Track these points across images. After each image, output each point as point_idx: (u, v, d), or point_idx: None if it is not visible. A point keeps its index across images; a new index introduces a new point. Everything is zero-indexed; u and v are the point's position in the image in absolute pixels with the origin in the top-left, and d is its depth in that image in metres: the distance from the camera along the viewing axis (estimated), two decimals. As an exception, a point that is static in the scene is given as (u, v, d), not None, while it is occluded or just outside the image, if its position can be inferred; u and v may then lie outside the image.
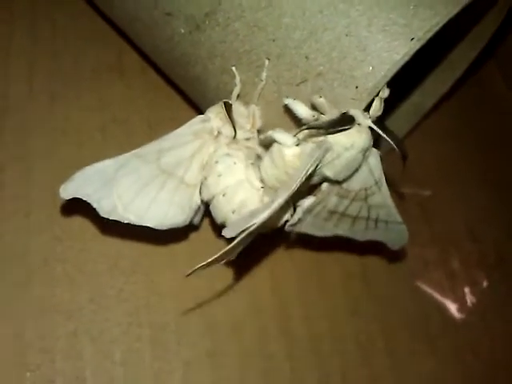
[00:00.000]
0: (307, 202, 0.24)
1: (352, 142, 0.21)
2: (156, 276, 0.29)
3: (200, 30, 0.26)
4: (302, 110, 0.22)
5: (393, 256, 0.32)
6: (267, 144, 0.23)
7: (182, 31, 0.26)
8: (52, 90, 0.34)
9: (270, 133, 0.22)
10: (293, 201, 0.24)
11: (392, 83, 0.22)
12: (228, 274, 0.30)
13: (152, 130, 0.33)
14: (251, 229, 0.20)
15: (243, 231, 0.20)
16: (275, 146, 0.22)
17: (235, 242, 0.20)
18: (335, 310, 0.30)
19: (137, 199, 0.24)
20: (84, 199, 0.23)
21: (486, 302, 0.33)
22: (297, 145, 0.22)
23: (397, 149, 0.21)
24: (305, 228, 0.25)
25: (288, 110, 0.23)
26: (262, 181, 0.24)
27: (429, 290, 0.32)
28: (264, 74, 0.24)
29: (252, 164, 0.24)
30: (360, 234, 0.26)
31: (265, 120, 0.25)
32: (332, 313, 0.30)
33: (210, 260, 0.21)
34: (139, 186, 0.24)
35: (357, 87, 0.22)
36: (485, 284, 0.34)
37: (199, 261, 0.29)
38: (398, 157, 0.22)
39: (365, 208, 0.25)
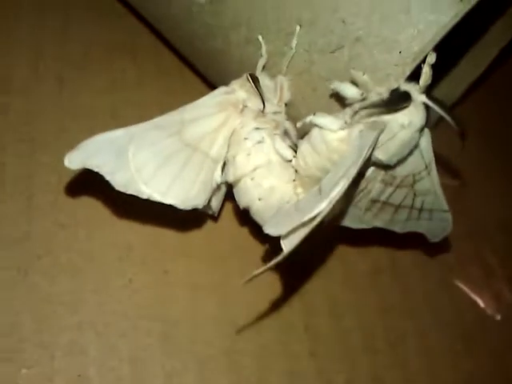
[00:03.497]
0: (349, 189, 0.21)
1: (409, 119, 0.19)
2: (169, 266, 0.26)
3: (222, -3, 0.24)
4: (351, 91, 0.20)
5: (424, 249, 0.29)
6: (304, 133, 0.21)
7: (202, 1, 0.25)
8: (60, 73, 0.31)
9: (309, 118, 0.20)
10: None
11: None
12: (247, 267, 0.27)
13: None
14: (311, 226, 0.17)
15: (294, 230, 0.18)
16: (316, 131, 0.20)
17: (294, 244, 0.18)
18: (363, 306, 0.28)
19: (159, 174, 0.22)
20: (95, 170, 0.21)
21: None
22: (342, 129, 0.20)
23: (455, 126, 0.19)
24: (344, 219, 0.23)
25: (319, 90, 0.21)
26: (296, 170, 0.22)
27: (464, 286, 0.30)
28: (294, 42, 0.22)
29: (279, 135, 0.22)
30: (400, 224, 0.24)
31: (294, 93, 0.23)
32: (360, 309, 0.28)
33: (266, 267, 0.18)
34: (161, 159, 0.22)
35: (400, 52, 0.20)
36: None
37: (216, 251, 0.27)
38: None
39: (410, 195, 0.23)
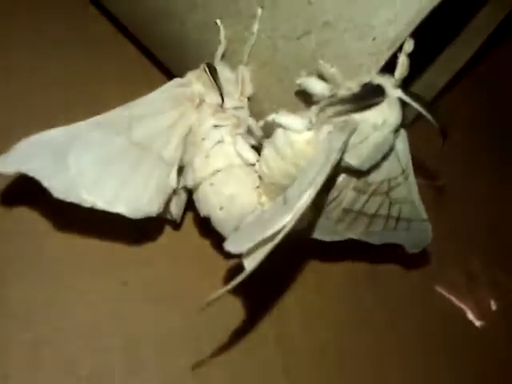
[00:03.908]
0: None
1: (383, 118, 0.17)
2: (128, 277, 0.24)
3: (177, -25, 0.21)
4: (319, 86, 0.18)
5: (403, 255, 0.28)
6: (269, 132, 0.19)
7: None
8: (6, 63, 0.29)
9: (272, 117, 0.18)
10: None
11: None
12: (211, 276, 0.25)
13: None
14: (275, 241, 0.15)
15: (257, 246, 0.16)
16: (280, 132, 0.18)
17: (257, 262, 0.16)
18: (341, 320, 0.26)
19: (104, 179, 0.19)
20: (30, 175, 0.18)
21: (509, 306, 0.29)
22: (309, 129, 0.18)
23: (435, 123, 0.17)
24: (316, 232, 0.21)
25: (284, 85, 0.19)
26: (260, 176, 0.20)
27: (446, 293, 0.28)
28: (256, 27, 0.20)
29: (241, 135, 0.19)
30: (376, 236, 0.22)
31: (257, 85, 0.20)
32: (337, 323, 0.26)
33: (225, 289, 0.16)
34: (106, 161, 0.19)
35: (374, 39, 0.17)
36: (506, 285, 0.30)
37: (177, 259, 0.25)
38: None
39: (385, 204, 0.21)
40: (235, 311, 0.24)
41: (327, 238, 0.22)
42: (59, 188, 0.18)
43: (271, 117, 0.18)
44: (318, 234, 0.21)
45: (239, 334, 0.24)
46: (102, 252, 0.24)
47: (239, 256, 0.16)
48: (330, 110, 0.17)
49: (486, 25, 0.27)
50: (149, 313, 0.24)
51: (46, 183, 0.18)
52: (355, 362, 0.25)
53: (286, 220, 0.16)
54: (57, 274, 0.24)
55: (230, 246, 0.16)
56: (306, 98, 0.19)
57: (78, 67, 0.29)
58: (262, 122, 0.19)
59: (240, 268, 0.16)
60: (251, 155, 0.19)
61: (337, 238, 0.22)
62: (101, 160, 0.19)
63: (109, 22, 0.31)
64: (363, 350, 0.26)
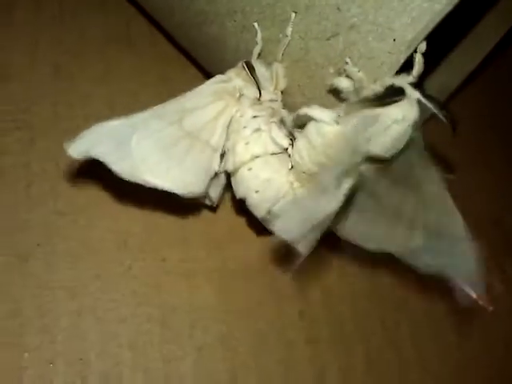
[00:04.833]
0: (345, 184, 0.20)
1: (403, 113, 0.19)
2: (167, 254, 0.27)
3: (219, -17, 0.24)
4: (345, 83, 0.20)
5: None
6: (301, 123, 0.21)
7: (199, -14, 0.24)
8: (56, 61, 0.32)
9: (304, 110, 0.20)
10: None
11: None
12: (243, 256, 0.27)
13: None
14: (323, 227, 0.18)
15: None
16: (312, 125, 0.20)
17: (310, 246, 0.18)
18: (357, 295, 0.28)
19: (163, 162, 0.22)
20: (100, 159, 0.21)
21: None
22: (337, 122, 0.20)
23: (446, 120, 0.19)
24: (355, 236, 0.21)
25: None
26: (292, 165, 0.22)
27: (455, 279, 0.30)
28: (289, 29, 0.22)
29: (275, 123, 0.22)
30: (418, 254, 0.21)
31: (290, 80, 0.23)
32: (354, 298, 0.28)
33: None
34: (163, 148, 0.22)
35: (394, 40, 0.20)
36: (512, 271, 0.32)
37: (213, 239, 0.27)
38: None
39: (420, 205, 0.21)
40: (263, 287, 0.27)
41: (369, 246, 0.21)
42: (125, 170, 0.21)
43: (303, 110, 0.20)
44: (360, 240, 0.21)
45: (266, 307, 0.26)
46: (145, 232, 0.27)
47: (270, 232, 0.19)
48: (357, 105, 0.19)
49: (499, 26, 0.29)
50: (184, 286, 0.26)
51: (112, 166, 0.21)
52: (371, 332, 0.27)
53: (332, 207, 0.18)
54: (104, 250, 0.26)
55: (282, 234, 0.18)
56: (334, 96, 0.21)
57: (118, 66, 0.32)
58: (295, 114, 0.21)
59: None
60: (285, 141, 0.22)
61: (377, 248, 0.21)
62: (158, 146, 0.22)
63: (147, 22, 0.33)
64: (379, 323, 0.28)
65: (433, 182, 0.21)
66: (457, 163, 0.34)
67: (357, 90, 0.20)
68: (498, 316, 0.30)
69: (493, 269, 0.31)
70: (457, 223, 0.20)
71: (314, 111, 0.20)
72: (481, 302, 0.29)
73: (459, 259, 0.20)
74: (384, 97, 0.19)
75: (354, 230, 0.22)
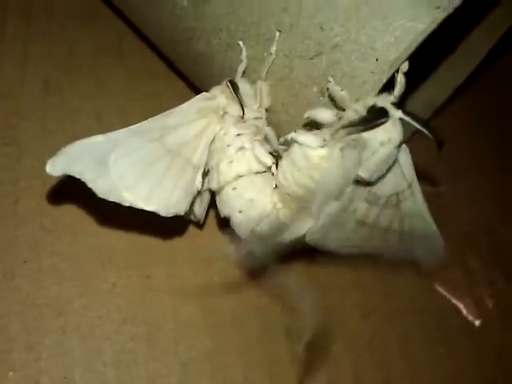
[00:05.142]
0: (330, 207, 0.21)
1: (388, 136, 0.19)
2: (152, 271, 0.27)
3: (204, 1, 0.24)
4: (326, 115, 0.20)
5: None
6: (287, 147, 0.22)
7: (185, 4, 0.25)
8: (46, 76, 0.32)
9: (291, 135, 0.20)
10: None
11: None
12: (228, 272, 0.27)
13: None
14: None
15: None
16: (297, 147, 0.20)
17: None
18: (346, 310, 0.28)
19: (141, 180, 0.21)
20: (77, 177, 0.21)
21: (506, 304, 0.30)
22: (322, 146, 0.20)
23: (431, 137, 0.19)
24: (331, 244, 0.23)
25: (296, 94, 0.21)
26: (277, 186, 0.22)
27: (445, 292, 0.30)
28: (274, 48, 0.22)
29: (259, 141, 0.22)
30: (392, 251, 0.23)
31: (274, 98, 0.23)
32: (343, 313, 0.28)
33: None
34: (142, 166, 0.22)
35: (377, 59, 0.20)
36: (503, 284, 0.32)
37: (199, 256, 0.27)
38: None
39: (397, 217, 0.22)
40: (249, 303, 0.27)
41: (345, 251, 0.23)
42: (102, 188, 0.21)
43: (290, 135, 0.20)
44: (337, 246, 0.23)
45: (252, 323, 0.26)
46: (129, 249, 0.27)
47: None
48: (343, 131, 0.19)
49: (486, 41, 0.29)
50: (168, 303, 0.26)
51: (90, 184, 0.21)
52: (359, 348, 0.27)
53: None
54: (89, 267, 0.26)
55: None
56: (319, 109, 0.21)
57: (108, 80, 0.32)
58: (282, 140, 0.21)
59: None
60: (268, 159, 0.22)
61: (356, 251, 0.23)
62: (138, 164, 0.21)
63: (137, 37, 0.33)
64: (367, 339, 0.28)
65: (411, 200, 0.22)
66: (450, 172, 0.34)
67: (338, 117, 0.20)
68: (489, 327, 0.30)
69: (483, 281, 0.31)
70: (428, 225, 0.23)
71: (300, 137, 0.20)
72: (470, 318, 0.29)
73: (425, 245, 0.23)
74: (368, 121, 0.19)
75: (327, 237, 0.22)
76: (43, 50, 0.33)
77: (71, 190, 0.27)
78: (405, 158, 0.21)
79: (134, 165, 0.21)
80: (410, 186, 0.22)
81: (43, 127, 0.30)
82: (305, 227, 0.21)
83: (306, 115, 0.20)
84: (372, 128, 0.19)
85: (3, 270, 0.25)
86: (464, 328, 0.30)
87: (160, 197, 0.22)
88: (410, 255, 0.24)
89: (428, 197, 0.22)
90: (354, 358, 0.27)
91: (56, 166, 0.21)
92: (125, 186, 0.21)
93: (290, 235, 0.21)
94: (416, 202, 0.22)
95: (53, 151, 0.21)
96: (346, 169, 0.19)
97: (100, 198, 0.22)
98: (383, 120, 0.19)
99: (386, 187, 0.21)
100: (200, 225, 0.27)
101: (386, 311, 0.29)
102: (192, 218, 0.25)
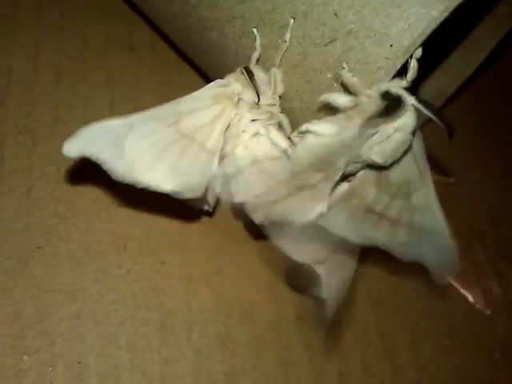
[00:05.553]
0: (341, 188, 0.21)
1: (403, 122, 0.19)
2: (166, 258, 0.27)
3: (219, -10, 0.24)
4: (342, 99, 0.20)
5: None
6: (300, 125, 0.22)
7: (199, -7, 0.25)
8: (58, 66, 0.32)
9: (305, 126, 0.21)
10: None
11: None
12: (242, 259, 0.28)
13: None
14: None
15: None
16: (312, 137, 0.21)
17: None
18: (355, 299, 0.28)
19: (156, 163, 0.22)
20: (93, 159, 0.21)
21: (512, 295, 0.31)
22: (338, 134, 0.20)
23: (443, 125, 0.20)
24: (339, 228, 0.22)
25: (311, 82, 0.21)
26: (293, 173, 0.22)
27: (454, 282, 0.30)
28: (288, 35, 0.22)
29: (273, 125, 0.22)
30: (401, 248, 0.22)
31: (288, 85, 0.23)
32: (351, 304, 0.28)
33: None
34: (158, 149, 0.22)
35: (391, 45, 0.20)
36: (511, 275, 0.32)
37: (212, 243, 0.28)
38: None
39: (406, 209, 0.22)
40: (260, 291, 0.27)
41: (354, 239, 0.22)
42: (118, 170, 0.21)
43: (305, 126, 0.20)
44: (345, 231, 0.22)
45: (264, 310, 0.27)
46: (144, 235, 0.27)
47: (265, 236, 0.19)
48: (357, 116, 0.19)
49: (495, 32, 0.29)
50: (182, 289, 0.26)
51: (106, 166, 0.21)
52: (368, 338, 0.28)
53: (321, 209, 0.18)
54: (103, 254, 0.26)
55: (277, 241, 0.18)
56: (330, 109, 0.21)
57: (120, 71, 0.32)
58: (296, 132, 0.21)
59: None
60: (284, 141, 0.22)
61: (364, 240, 0.22)
62: (154, 146, 0.22)
63: (149, 27, 0.34)
64: (376, 328, 0.28)
65: (423, 191, 0.22)
66: (455, 167, 0.35)
67: (353, 103, 0.20)
68: (496, 317, 0.30)
69: (490, 272, 0.31)
70: (439, 222, 0.22)
71: (315, 127, 0.20)
72: (478, 306, 0.30)
73: (437, 250, 0.22)
74: (386, 114, 0.19)
75: (336, 222, 0.22)
76: (55, 41, 0.33)
77: (85, 177, 0.27)
78: (418, 145, 0.21)
79: (150, 147, 0.22)
80: (421, 175, 0.21)
81: (56, 116, 0.30)
82: (316, 210, 0.21)
83: (321, 98, 0.21)
84: (389, 118, 0.19)
85: (17, 256, 0.26)
86: (471, 318, 0.30)
87: (176, 179, 0.22)
88: (421, 257, 0.22)
89: (437, 186, 0.23)
90: (362, 347, 0.28)
91: (73, 148, 0.21)
92: (141, 167, 0.21)
93: (301, 219, 0.21)
94: (428, 194, 0.22)
95: (65, 138, 0.21)
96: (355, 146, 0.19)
97: (114, 185, 0.22)
98: (399, 109, 0.19)
99: (397, 174, 0.21)
100: (211, 214, 0.27)
101: (392, 301, 0.29)
102: (205, 206, 0.26)
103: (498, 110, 0.39)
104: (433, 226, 0.22)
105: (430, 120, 0.20)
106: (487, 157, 0.36)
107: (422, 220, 0.22)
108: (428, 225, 0.22)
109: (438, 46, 0.22)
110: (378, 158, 0.20)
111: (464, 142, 0.36)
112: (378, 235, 0.22)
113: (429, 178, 0.22)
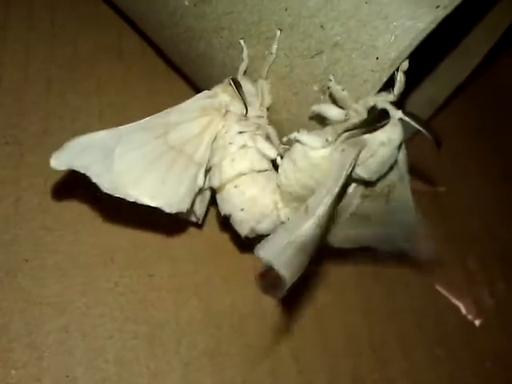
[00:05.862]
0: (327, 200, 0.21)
1: (389, 137, 0.19)
2: (154, 270, 0.27)
3: (205, 1, 0.24)
4: (333, 112, 0.20)
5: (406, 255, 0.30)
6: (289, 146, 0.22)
7: (186, 3, 0.25)
8: (48, 75, 0.32)
9: (294, 135, 0.20)
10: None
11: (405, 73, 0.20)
12: (230, 271, 0.27)
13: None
14: (298, 242, 0.18)
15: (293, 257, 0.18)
16: (298, 147, 0.20)
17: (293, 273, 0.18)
18: (347, 308, 0.28)
19: (145, 176, 0.21)
20: (81, 171, 0.21)
21: (504, 303, 0.31)
22: (324, 147, 0.20)
23: (430, 137, 0.19)
24: (339, 242, 0.23)
25: (300, 93, 0.21)
26: (279, 186, 0.22)
27: (445, 291, 0.30)
28: (275, 47, 0.22)
29: (261, 135, 0.22)
30: (380, 241, 0.24)
31: (275, 97, 0.23)
32: (344, 311, 0.28)
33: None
34: (146, 161, 0.22)
35: (377, 58, 0.20)
36: (503, 284, 0.32)
37: (200, 254, 0.27)
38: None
39: (383, 207, 0.22)
40: (250, 301, 0.27)
41: (336, 244, 0.23)
42: (107, 183, 0.21)
43: (293, 135, 0.20)
44: (328, 239, 0.23)
45: (253, 322, 0.26)
46: (131, 248, 0.27)
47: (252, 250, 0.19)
48: (346, 134, 0.19)
49: (487, 39, 0.29)
50: (171, 302, 0.26)
51: (95, 179, 0.21)
52: (359, 348, 0.27)
53: (309, 225, 0.18)
54: (91, 266, 0.26)
55: (261, 253, 0.18)
56: (318, 120, 0.21)
57: (109, 79, 0.32)
58: (285, 139, 0.21)
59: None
60: (271, 151, 0.22)
61: (345, 245, 0.23)
62: (142, 159, 0.21)
63: (138, 36, 0.33)
64: (367, 338, 0.28)
65: (404, 196, 0.22)
66: (450, 172, 0.35)
67: (345, 117, 0.20)
68: (488, 327, 0.30)
69: (482, 281, 0.31)
70: (411, 217, 0.23)
71: (303, 136, 0.20)
72: (469, 317, 0.30)
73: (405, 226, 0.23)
74: (370, 124, 0.19)
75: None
76: (46, 49, 0.33)
77: (73, 189, 0.27)
78: (402, 154, 0.21)
79: (138, 160, 0.21)
80: (402, 178, 0.22)
81: (44, 127, 0.30)
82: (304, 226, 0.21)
83: (313, 108, 0.20)
84: (374, 130, 0.19)
85: (5, 268, 0.25)
86: (463, 328, 0.30)
87: (164, 193, 0.22)
88: (392, 240, 0.24)
89: (427, 197, 0.22)
90: (353, 357, 0.27)
91: (60, 160, 0.21)
92: (129, 181, 0.21)
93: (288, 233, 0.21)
94: (404, 189, 0.22)
95: (54, 149, 0.21)
96: (345, 168, 0.19)
97: (102, 198, 0.22)
98: (384, 122, 0.19)
99: (380, 184, 0.21)
100: (199, 225, 0.27)
101: (385, 311, 0.29)
102: (192, 217, 0.25)
103: (496, 115, 0.39)
104: (408, 220, 0.23)
105: (418, 132, 0.20)
106: (485, 162, 0.36)
107: (398, 216, 0.23)
108: (405, 220, 0.23)
109: (427, 55, 0.22)
110: (364, 174, 0.20)
111: (461, 148, 0.36)
112: (362, 236, 0.23)
113: (406, 176, 0.22)
